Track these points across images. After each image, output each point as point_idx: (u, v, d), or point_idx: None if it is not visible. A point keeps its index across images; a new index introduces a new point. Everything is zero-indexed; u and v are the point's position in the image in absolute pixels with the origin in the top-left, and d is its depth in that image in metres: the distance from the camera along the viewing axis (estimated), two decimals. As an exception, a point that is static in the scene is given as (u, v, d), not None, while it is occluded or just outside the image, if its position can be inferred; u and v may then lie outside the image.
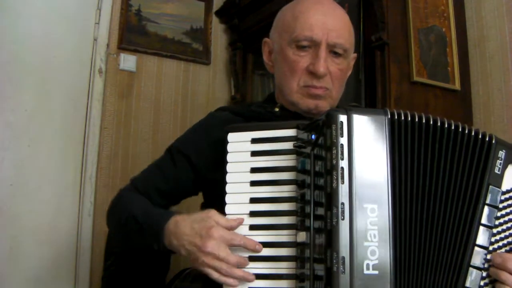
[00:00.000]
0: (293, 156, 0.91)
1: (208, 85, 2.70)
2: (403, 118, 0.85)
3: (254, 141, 0.94)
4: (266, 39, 1.17)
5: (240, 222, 0.90)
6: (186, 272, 2.16)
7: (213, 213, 0.89)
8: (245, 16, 2.54)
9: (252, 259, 0.89)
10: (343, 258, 0.77)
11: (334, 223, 0.78)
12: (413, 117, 0.86)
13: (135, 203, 1.07)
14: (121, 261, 2.07)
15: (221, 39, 2.79)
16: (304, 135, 0.90)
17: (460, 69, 1.81)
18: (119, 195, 1.15)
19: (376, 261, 0.78)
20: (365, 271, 0.77)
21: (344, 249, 0.77)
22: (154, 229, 0.95)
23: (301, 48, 1.05)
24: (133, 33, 2.46)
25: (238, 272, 0.86)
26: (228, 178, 0.93)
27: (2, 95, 2.11)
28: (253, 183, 0.92)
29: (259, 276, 0.87)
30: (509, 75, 1.73)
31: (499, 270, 0.83)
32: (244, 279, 0.87)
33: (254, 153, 0.93)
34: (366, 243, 0.78)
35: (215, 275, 0.86)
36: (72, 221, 2.23)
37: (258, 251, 0.88)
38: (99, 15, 2.39)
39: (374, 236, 0.78)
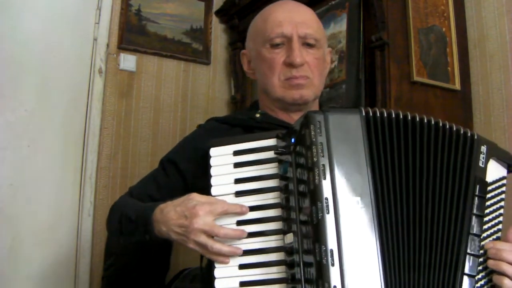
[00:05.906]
0: (275, 164, 0.92)
1: (208, 85, 2.70)
2: (378, 115, 0.87)
3: (236, 153, 0.96)
4: (243, 51, 1.24)
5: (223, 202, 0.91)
6: (186, 272, 2.16)
7: (193, 195, 0.93)
8: (245, 16, 2.53)
9: (244, 267, 0.89)
10: (331, 250, 0.78)
11: (319, 217, 0.79)
12: (389, 114, 0.88)
13: (128, 204, 1.11)
14: (121, 261, 2.08)
15: (221, 39, 2.79)
16: (283, 143, 0.91)
17: (460, 69, 1.80)
18: (115, 202, 1.20)
19: (365, 253, 0.78)
20: (355, 263, 0.77)
21: (332, 242, 0.78)
22: (143, 221, 0.98)
23: (275, 46, 1.11)
24: (133, 33, 2.46)
25: (224, 248, 0.88)
26: (213, 191, 0.95)
27: (2, 95, 2.11)
28: (238, 193, 0.94)
29: (250, 283, 0.87)
30: (509, 75, 1.73)
31: (496, 260, 0.85)
32: (232, 254, 0.88)
33: (237, 165, 0.95)
34: (353, 235, 0.79)
35: (204, 252, 0.89)
36: (72, 221, 2.23)
37: (245, 213, 0.90)
38: (99, 15, 2.38)
39: (361, 228, 0.79)
